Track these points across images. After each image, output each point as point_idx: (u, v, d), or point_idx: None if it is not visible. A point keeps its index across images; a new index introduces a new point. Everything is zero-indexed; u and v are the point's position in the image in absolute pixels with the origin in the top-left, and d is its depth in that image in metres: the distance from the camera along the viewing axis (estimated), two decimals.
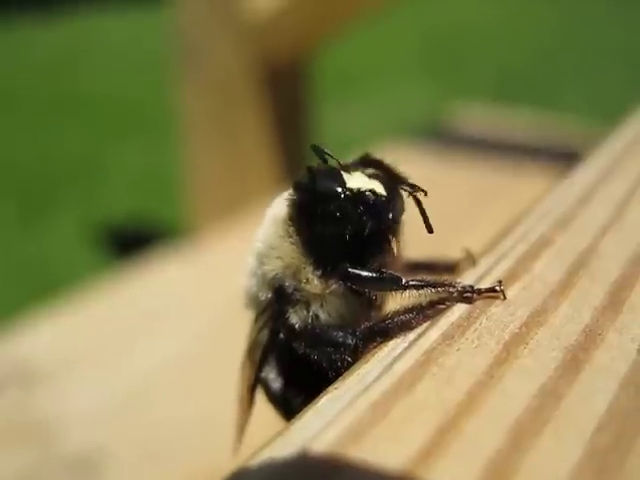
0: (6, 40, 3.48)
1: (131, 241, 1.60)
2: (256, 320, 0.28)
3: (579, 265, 0.23)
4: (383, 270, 0.24)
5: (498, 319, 0.21)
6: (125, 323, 0.73)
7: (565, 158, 0.87)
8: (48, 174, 2.01)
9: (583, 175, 0.31)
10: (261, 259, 0.27)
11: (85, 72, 3.00)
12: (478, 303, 0.22)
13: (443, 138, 1.13)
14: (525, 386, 0.18)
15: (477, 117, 1.24)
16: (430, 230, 0.23)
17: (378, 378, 0.19)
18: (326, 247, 0.25)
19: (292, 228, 0.25)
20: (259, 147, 1.03)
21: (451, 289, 0.22)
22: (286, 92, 1.05)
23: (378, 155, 0.26)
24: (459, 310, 0.21)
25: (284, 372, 0.28)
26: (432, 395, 0.18)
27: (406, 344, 0.20)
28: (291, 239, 0.25)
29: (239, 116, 1.03)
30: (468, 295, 0.22)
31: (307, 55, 1.06)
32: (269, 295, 0.27)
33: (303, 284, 0.25)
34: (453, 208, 0.80)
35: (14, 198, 1.88)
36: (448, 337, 0.20)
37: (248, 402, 0.28)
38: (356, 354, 0.23)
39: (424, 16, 3.68)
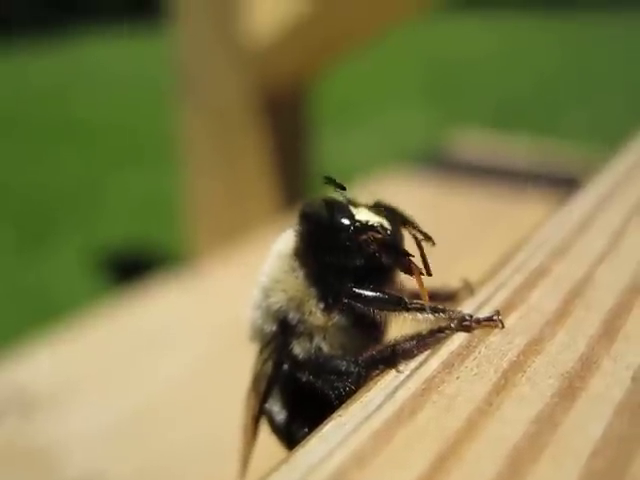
0: (4, 67, 3.50)
1: (131, 267, 1.60)
2: (261, 352, 0.28)
3: (575, 294, 0.24)
4: (387, 291, 0.25)
5: (496, 348, 0.21)
6: (125, 349, 0.73)
7: (564, 184, 0.87)
8: (47, 201, 2.02)
9: (581, 203, 0.32)
10: (266, 292, 0.27)
11: (83, 99, 3.01)
12: (477, 332, 0.22)
13: (443, 164, 1.14)
14: (523, 413, 0.18)
15: (477, 143, 1.25)
16: (429, 274, 0.24)
17: (380, 406, 0.19)
18: (330, 279, 0.25)
19: (297, 262, 0.26)
20: (259, 173, 1.04)
21: (451, 315, 0.23)
22: (286, 118, 1.06)
23: (389, 202, 0.26)
24: (459, 339, 0.22)
25: (288, 404, 0.29)
26: (432, 423, 0.18)
27: (408, 372, 0.21)
28: (295, 273, 0.26)
29: (239, 142, 1.04)
30: (467, 324, 0.22)
31: (307, 82, 1.07)
32: (274, 327, 0.27)
33: (307, 316, 0.26)
34: (453, 234, 0.80)
35: (13, 225, 1.88)
36: (448, 365, 0.21)
37: (252, 433, 0.29)
38: (359, 382, 0.24)
39: (424, 44, 3.70)
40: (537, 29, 4.29)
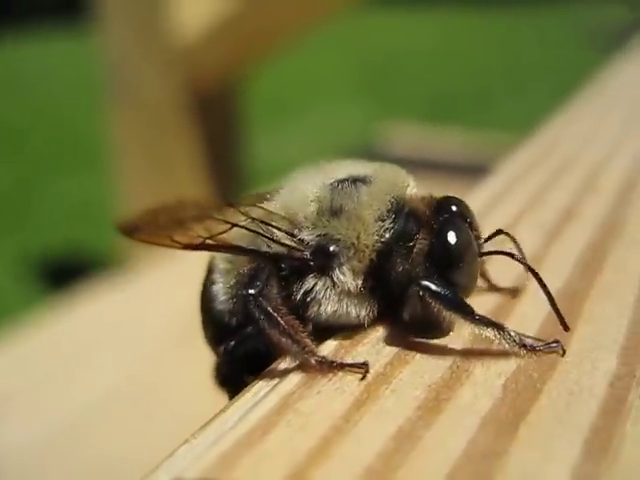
0: None
1: (64, 273, 1.57)
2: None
3: None
4: (460, 295, 0.23)
5: (363, 359, 0.20)
6: (57, 358, 0.72)
7: None
8: None
9: (484, 190, 0.32)
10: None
11: (14, 101, 2.96)
12: (345, 343, 0.21)
13: (376, 159, 1.13)
14: (381, 429, 0.17)
15: (410, 137, 1.25)
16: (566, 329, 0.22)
17: (234, 427, 0.18)
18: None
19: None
20: (190, 175, 1.03)
21: (515, 340, 0.21)
22: (217, 117, 1.05)
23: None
24: (325, 350, 0.21)
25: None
26: (285, 444, 0.17)
27: (268, 388, 0.20)
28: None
29: (169, 144, 1.03)
30: (525, 349, 0.21)
31: (236, 79, 1.06)
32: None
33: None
34: None
35: None
36: (310, 379, 0.19)
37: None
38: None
39: (357, 40, 3.72)
40: (470, 22, 4.34)
